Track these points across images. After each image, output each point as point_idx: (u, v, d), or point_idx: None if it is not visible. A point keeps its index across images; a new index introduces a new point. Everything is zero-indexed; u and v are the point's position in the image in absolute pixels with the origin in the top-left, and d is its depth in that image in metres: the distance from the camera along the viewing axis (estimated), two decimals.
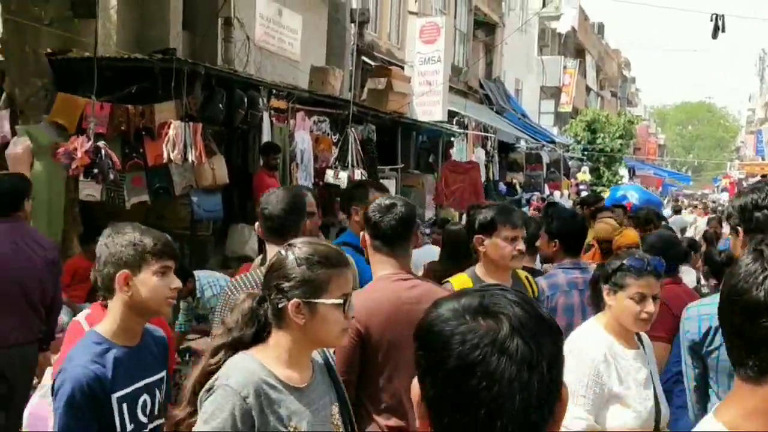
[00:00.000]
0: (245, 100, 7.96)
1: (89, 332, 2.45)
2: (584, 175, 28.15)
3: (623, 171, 32.20)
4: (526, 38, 29.22)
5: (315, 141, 9.75)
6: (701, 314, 2.91)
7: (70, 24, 7.72)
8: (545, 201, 19.43)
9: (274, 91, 8.98)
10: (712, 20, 13.33)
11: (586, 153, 30.83)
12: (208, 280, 5.67)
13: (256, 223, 3.34)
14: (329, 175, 9.59)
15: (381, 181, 11.16)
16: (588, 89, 41.07)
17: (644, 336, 3.11)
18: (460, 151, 15.49)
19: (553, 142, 25.39)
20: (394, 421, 2.71)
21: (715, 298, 1.45)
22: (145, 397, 2.43)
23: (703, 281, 7.60)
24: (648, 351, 3.08)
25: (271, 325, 2.09)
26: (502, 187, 18.51)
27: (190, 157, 7.02)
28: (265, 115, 8.51)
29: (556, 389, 1.09)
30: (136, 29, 8.76)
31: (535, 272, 4.45)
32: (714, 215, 16.91)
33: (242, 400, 1.94)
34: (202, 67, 7.47)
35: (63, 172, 6.53)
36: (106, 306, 3.72)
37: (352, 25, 13.11)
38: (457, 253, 4.54)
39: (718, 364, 2.82)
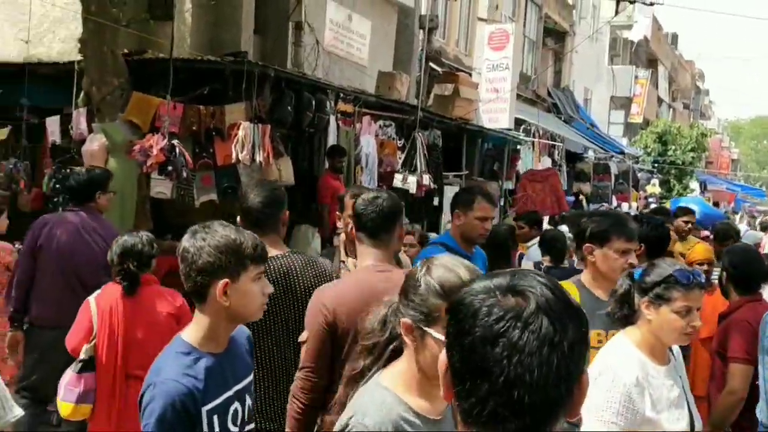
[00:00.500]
0: (313, 103, 8.04)
1: (175, 340, 2.29)
2: (654, 187, 27.51)
3: (694, 184, 31.36)
4: (596, 47, 28.78)
5: (380, 145, 9.78)
6: None
7: (146, 25, 7.95)
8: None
9: (341, 95, 9.06)
10: None
11: (656, 165, 30.16)
12: None
13: (238, 217, 3.36)
14: (397, 180, 9.60)
15: (445, 187, 11.15)
16: (660, 100, 40.19)
17: (674, 346, 2.94)
18: (526, 160, 15.31)
19: (622, 153, 24.90)
20: None
21: None
22: (236, 405, 2.31)
23: None
24: (678, 360, 2.94)
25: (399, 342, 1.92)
26: (569, 198, 18.16)
27: (258, 157, 7.11)
28: (332, 119, 8.58)
29: (576, 372, 1.13)
30: (210, 32, 8.96)
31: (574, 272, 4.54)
32: None
33: None
34: (272, 69, 7.58)
35: (136, 169, 6.71)
36: (119, 284, 3.85)
37: (421, 31, 13.12)
38: (498, 255, 4.83)
39: None
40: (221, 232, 2.22)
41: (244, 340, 2.44)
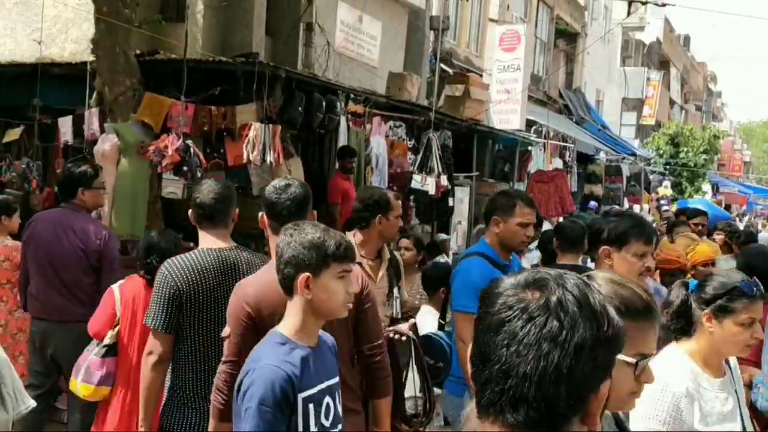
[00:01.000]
0: (323, 103, 8.05)
1: (272, 333, 2.38)
2: (665, 189, 27.41)
3: (706, 187, 31.23)
4: (608, 48, 28.70)
5: (390, 146, 9.78)
6: None
7: (158, 26, 8.00)
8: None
9: (351, 96, 9.06)
10: None
11: (668, 167, 30.05)
12: None
13: (190, 210, 3.48)
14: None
15: (455, 188, 11.14)
16: (672, 102, 40.03)
17: (731, 357, 2.83)
18: (537, 161, 15.28)
19: (634, 154, 24.81)
20: None
21: None
22: (328, 400, 2.38)
23: None
24: (735, 373, 2.83)
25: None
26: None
27: (269, 158, 7.12)
28: (343, 119, 8.58)
29: (588, 379, 1.12)
30: (221, 34, 9.00)
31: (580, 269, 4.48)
32: None
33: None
34: (283, 70, 7.59)
35: (148, 169, 6.75)
36: (143, 278, 4.01)
37: (432, 32, 13.12)
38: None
39: None
40: (308, 230, 2.37)
41: (330, 342, 2.54)
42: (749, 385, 3.45)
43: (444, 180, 9.96)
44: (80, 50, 8.25)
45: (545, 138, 16.22)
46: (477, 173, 12.49)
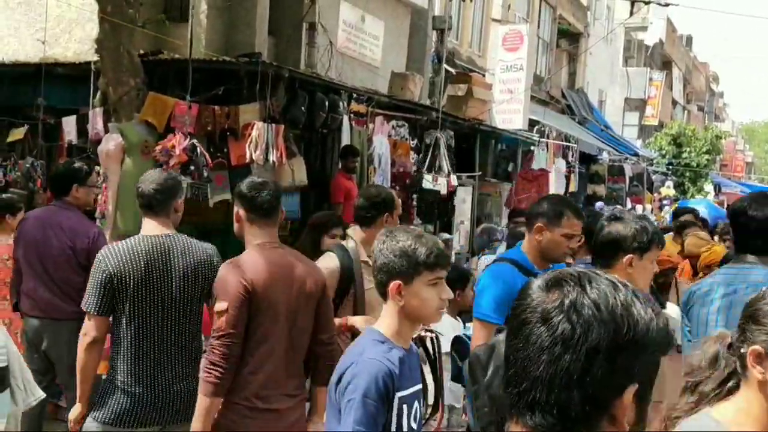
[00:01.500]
0: (326, 103, 8.07)
1: (369, 331, 2.45)
2: (668, 189, 27.38)
3: (709, 187, 31.20)
4: (611, 49, 28.69)
5: (393, 146, 9.80)
6: None
7: (161, 26, 8.02)
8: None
9: (354, 95, 9.08)
10: None
11: (670, 167, 30.03)
12: None
13: (136, 200, 3.63)
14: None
15: (458, 188, 11.15)
16: (674, 102, 40.00)
17: None
18: (540, 161, 15.29)
19: (636, 155, 24.81)
20: (258, 369, 3.07)
21: None
22: (416, 404, 2.41)
23: None
24: None
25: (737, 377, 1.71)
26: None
27: (272, 157, 7.14)
28: (345, 119, 8.60)
29: (602, 380, 1.09)
30: (224, 33, 9.02)
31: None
32: None
33: None
34: (286, 70, 7.61)
35: (151, 168, 6.76)
36: None
37: (434, 32, 13.14)
38: None
39: None
40: (400, 237, 2.37)
41: (414, 349, 2.57)
42: None
43: (454, 179, 10.00)
44: (84, 50, 8.28)
45: (548, 138, 16.23)
46: (479, 173, 12.50)
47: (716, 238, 7.96)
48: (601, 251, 3.21)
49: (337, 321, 3.71)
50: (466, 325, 4.33)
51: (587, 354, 1.08)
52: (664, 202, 24.77)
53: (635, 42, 34.31)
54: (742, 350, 1.64)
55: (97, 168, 6.55)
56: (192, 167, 6.60)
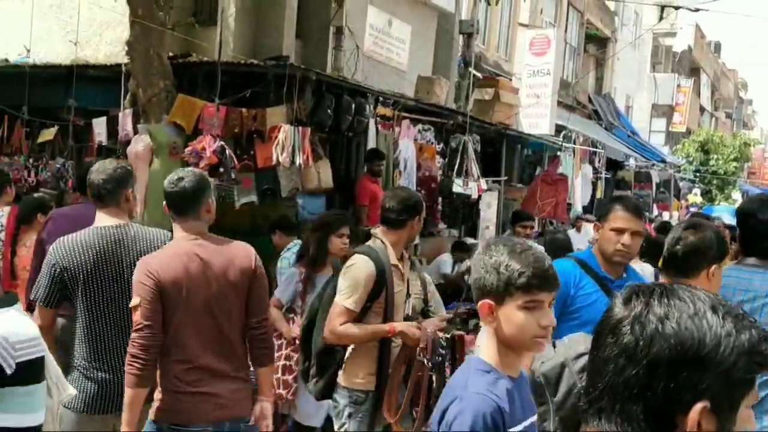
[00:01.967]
0: (353, 106, 8.08)
1: (473, 359, 2.20)
2: (695, 197, 27.11)
3: (737, 194, 30.84)
4: (638, 54, 28.49)
5: (419, 149, 9.79)
6: None
7: (191, 29, 8.09)
8: (652, 222, 18.79)
9: (380, 99, 9.09)
10: None
11: (697, 174, 29.73)
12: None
13: (88, 191, 3.68)
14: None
15: (485, 192, 11.11)
16: (702, 109, 39.59)
17: None
18: (566, 166, 15.20)
19: (663, 161, 24.58)
20: (180, 356, 3.15)
21: None
22: None
23: None
24: None
25: None
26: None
27: (298, 160, 7.16)
28: (371, 122, 8.60)
29: (665, 394, 1.07)
30: (252, 37, 9.08)
31: None
32: None
33: None
34: (313, 73, 7.64)
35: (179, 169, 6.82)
36: None
37: (461, 36, 13.12)
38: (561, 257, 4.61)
39: None
40: (496, 251, 2.10)
41: (525, 375, 2.33)
42: None
43: (483, 183, 9.97)
44: (114, 52, 8.38)
45: (574, 143, 16.13)
46: (505, 178, 12.44)
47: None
48: (682, 262, 3.04)
49: (384, 327, 3.74)
50: None
51: (648, 367, 1.08)
52: (691, 209, 24.51)
53: (663, 48, 34.03)
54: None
55: (129, 167, 6.60)
56: (221, 169, 6.65)
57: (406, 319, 3.92)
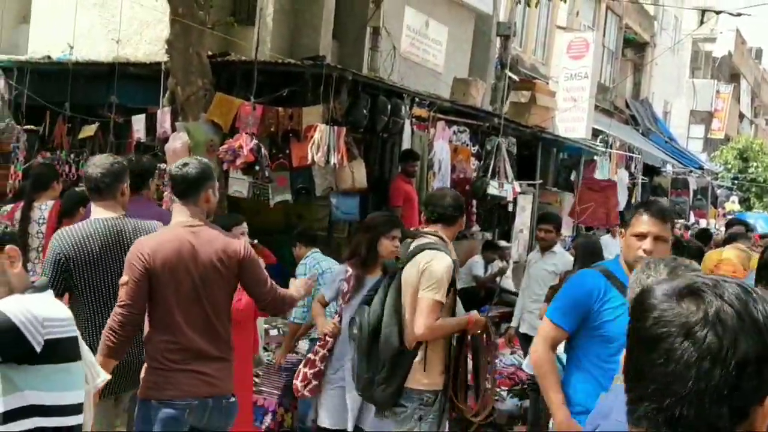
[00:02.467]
0: (388, 107, 8.08)
1: (621, 387, 2.02)
2: (733, 204, 26.66)
3: None
4: (677, 59, 28.11)
5: (453, 151, 9.76)
6: None
7: (229, 29, 8.16)
8: (689, 229, 18.52)
9: (416, 100, 9.08)
10: None
11: (736, 182, 29.24)
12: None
13: (82, 184, 3.84)
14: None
15: (518, 196, 11.04)
16: (741, 116, 38.93)
17: None
18: (602, 171, 15.05)
19: (701, 168, 24.22)
20: (167, 336, 3.28)
21: None
22: None
23: None
24: None
25: None
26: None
27: (333, 159, 7.19)
28: (407, 123, 8.60)
29: (752, 392, 1.05)
30: (290, 37, 9.14)
31: None
32: None
33: None
34: (349, 73, 7.66)
35: (216, 167, 6.88)
36: None
37: (498, 38, 13.06)
38: (591, 263, 4.59)
39: None
40: (655, 270, 1.98)
41: None
42: None
43: (517, 185, 9.92)
44: (154, 51, 8.48)
45: (611, 148, 15.97)
46: (540, 181, 12.35)
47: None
48: None
49: (465, 317, 3.93)
50: None
51: (737, 367, 1.04)
52: (728, 217, 24.13)
53: (702, 53, 33.54)
54: None
55: (162, 165, 6.69)
56: (257, 167, 6.70)
57: None
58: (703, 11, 14.41)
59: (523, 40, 15.64)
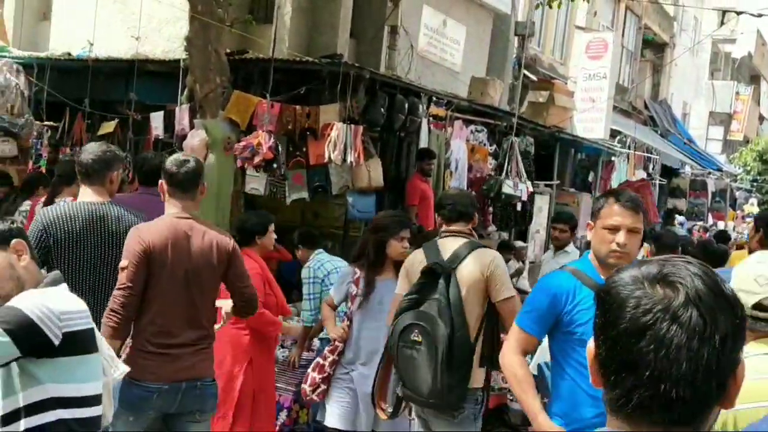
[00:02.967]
0: (406, 105, 8.06)
1: None
2: (752, 207, 26.47)
3: None
4: (696, 60, 27.92)
5: (470, 150, 9.73)
6: None
7: (248, 26, 8.19)
8: (707, 231, 18.38)
9: (434, 99, 9.06)
10: None
11: (755, 184, 29.00)
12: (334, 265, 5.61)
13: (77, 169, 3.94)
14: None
15: (535, 196, 11.00)
16: (761, 118, 38.57)
17: None
18: (621, 171, 14.96)
19: (720, 170, 24.03)
20: (153, 319, 3.42)
21: None
22: None
23: None
24: None
25: None
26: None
27: (349, 158, 7.18)
28: (424, 122, 8.57)
29: (729, 365, 1.10)
30: (307, 35, 9.16)
31: None
32: None
33: None
34: (367, 72, 7.65)
35: (233, 164, 6.91)
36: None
37: (516, 38, 13.01)
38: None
39: None
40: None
41: None
42: None
43: (529, 184, 9.88)
44: (173, 48, 8.53)
45: (629, 149, 15.87)
46: (558, 182, 12.29)
47: None
48: None
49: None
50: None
51: (720, 342, 1.08)
52: (747, 219, 23.92)
53: (722, 54, 33.28)
54: None
55: None
56: (275, 165, 6.72)
57: None
58: (724, 12, 14.24)
59: (541, 40, 15.58)
